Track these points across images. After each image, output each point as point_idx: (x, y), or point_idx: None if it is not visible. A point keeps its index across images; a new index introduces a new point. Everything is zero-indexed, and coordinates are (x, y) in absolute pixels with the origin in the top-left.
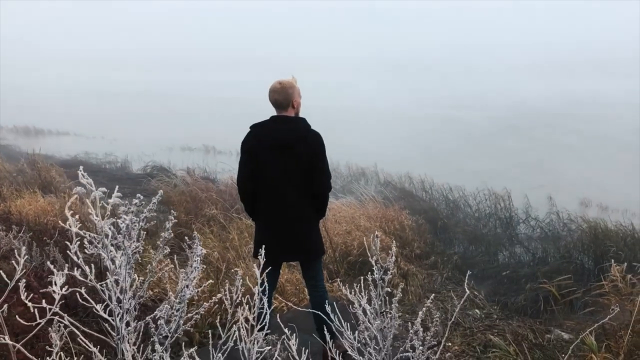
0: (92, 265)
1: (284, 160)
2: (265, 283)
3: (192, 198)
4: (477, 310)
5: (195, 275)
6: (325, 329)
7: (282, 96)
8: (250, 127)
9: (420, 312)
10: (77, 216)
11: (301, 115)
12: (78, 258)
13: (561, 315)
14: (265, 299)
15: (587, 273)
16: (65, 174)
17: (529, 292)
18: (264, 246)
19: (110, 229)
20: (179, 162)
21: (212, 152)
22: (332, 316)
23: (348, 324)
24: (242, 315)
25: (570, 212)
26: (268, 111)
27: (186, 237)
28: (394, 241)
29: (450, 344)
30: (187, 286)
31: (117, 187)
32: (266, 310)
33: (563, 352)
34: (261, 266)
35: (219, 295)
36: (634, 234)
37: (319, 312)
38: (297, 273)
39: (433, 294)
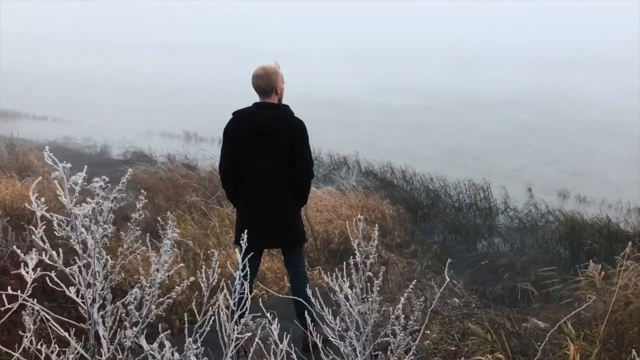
0: (60, 250)
1: (266, 147)
2: (247, 268)
3: (173, 185)
4: (455, 299)
5: (166, 259)
6: (307, 314)
7: (266, 82)
8: (233, 114)
9: (402, 298)
10: (42, 199)
11: (284, 102)
12: (44, 242)
13: (538, 304)
14: (246, 284)
15: (563, 264)
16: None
17: (506, 282)
18: (246, 231)
19: (80, 210)
20: (159, 148)
21: (194, 139)
22: (313, 301)
23: (330, 310)
24: (221, 299)
25: (548, 204)
26: (251, 98)
27: (160, 219)
28: (376, 225)
29: (429, 331)
30: (158, 270)
31: (85, 167)
32: (247, 295)
33: (539, 340)
34: (243, 251)
35: (191, 279)
36: (610, 227)
37: (300, 299)
38: (278, 261)
39: (415, 281)
